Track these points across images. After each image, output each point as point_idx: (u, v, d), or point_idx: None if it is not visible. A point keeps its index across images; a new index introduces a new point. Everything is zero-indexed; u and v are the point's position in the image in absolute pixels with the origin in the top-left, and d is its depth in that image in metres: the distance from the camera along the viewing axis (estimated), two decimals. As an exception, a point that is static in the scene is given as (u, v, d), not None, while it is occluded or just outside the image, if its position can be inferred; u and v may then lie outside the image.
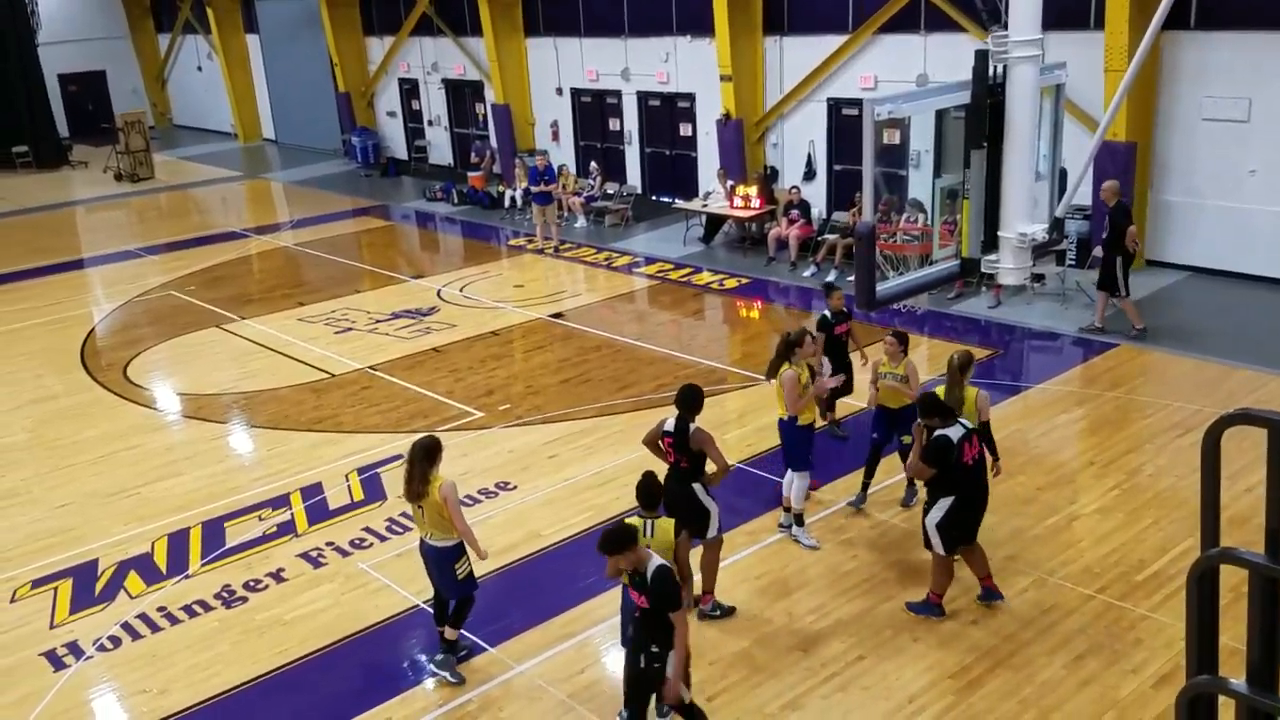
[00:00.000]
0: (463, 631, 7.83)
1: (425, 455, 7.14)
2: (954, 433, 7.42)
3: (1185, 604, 2.66)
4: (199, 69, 36.06)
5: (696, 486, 7.67)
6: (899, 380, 9.10)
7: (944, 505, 7.52)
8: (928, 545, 7.75)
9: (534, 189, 19.62)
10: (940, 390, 8.10)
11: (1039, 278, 14.54)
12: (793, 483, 8.94)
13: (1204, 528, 2.62)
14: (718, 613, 7.97)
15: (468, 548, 7.33)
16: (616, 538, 5.97)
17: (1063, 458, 10.28)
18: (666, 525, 6.63)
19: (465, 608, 7.52)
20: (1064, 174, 9.73)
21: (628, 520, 6.40)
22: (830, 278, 16.17)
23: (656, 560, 6.02)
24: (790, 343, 8.74)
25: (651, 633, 6.05)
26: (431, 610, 7.77)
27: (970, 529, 7.72)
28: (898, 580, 8.36)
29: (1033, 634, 7.63)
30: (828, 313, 10.55)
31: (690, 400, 7.64)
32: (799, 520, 9.01)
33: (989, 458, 7.91)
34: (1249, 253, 14.57)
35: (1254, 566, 2.44)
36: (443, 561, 7.35)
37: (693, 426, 7.59)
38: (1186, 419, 10.82)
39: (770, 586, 8.41)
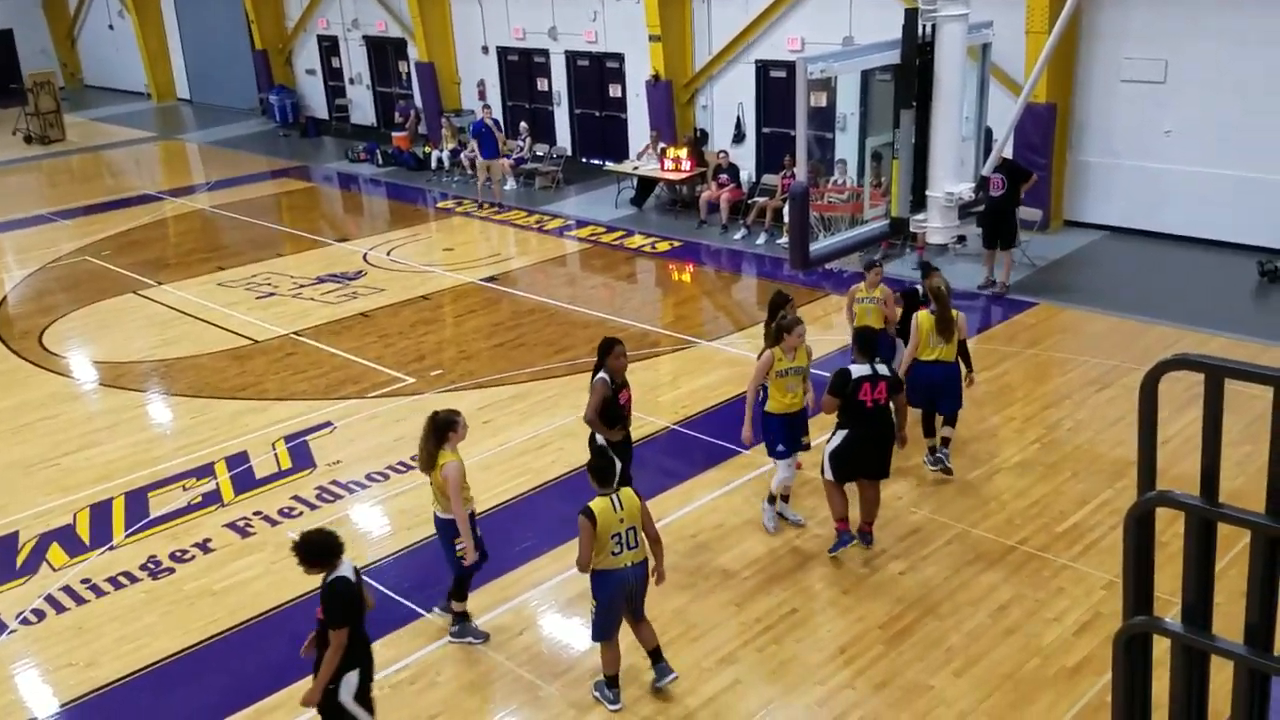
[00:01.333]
0: (398, 597, 7.79)
1: (435, 433, 7.08)
2: (858, 370, 7.82)
3: (1123, 546, 2.74)
4: (110, 27, 34.72)
5: (599, 438, 7.99)
6: (876, 303, 9.81)
7: (839, 436, 7.93)
8: (823, 472, 8.09)
9: (475, 139, 19.55)
10: (925, 317, 8.97)
11: (961, 238, 14.78)
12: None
13: (1141, 471, 2.69)
14: None
15: (460, 528, 7.12)
16: (317, 549, 5.78)
17: (984, 413, 10.51)
18: (630, 494, 6.48)
19: (462, 585, 7.43)
20: (989, 134, 9.86)
21: (591, 503, 6.33)
22: (760, 240, 16.30)
23: (336, 571, 5.79)
24: (780, 327, 8.20)
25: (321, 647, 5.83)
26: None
27: (861, 467, 7.98)
28: (830, 536, 8.49)
29: (958, 584, 7.82)
30: (920, 287, 9.84)
31: (599, 349, 7.96)
32: (771, 499, 8.66)
33: (964, 371, 9.12)
34: (1164, 212, 14.97)
35: (1190, 508, 2.52)
36: (442, 533, 7.30)
37: (596, 376, 7.88)
38: (1104, 374, 11.13)
39: (705, 545, 8.49)
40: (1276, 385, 2.35)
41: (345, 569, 5.87)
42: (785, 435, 8.35)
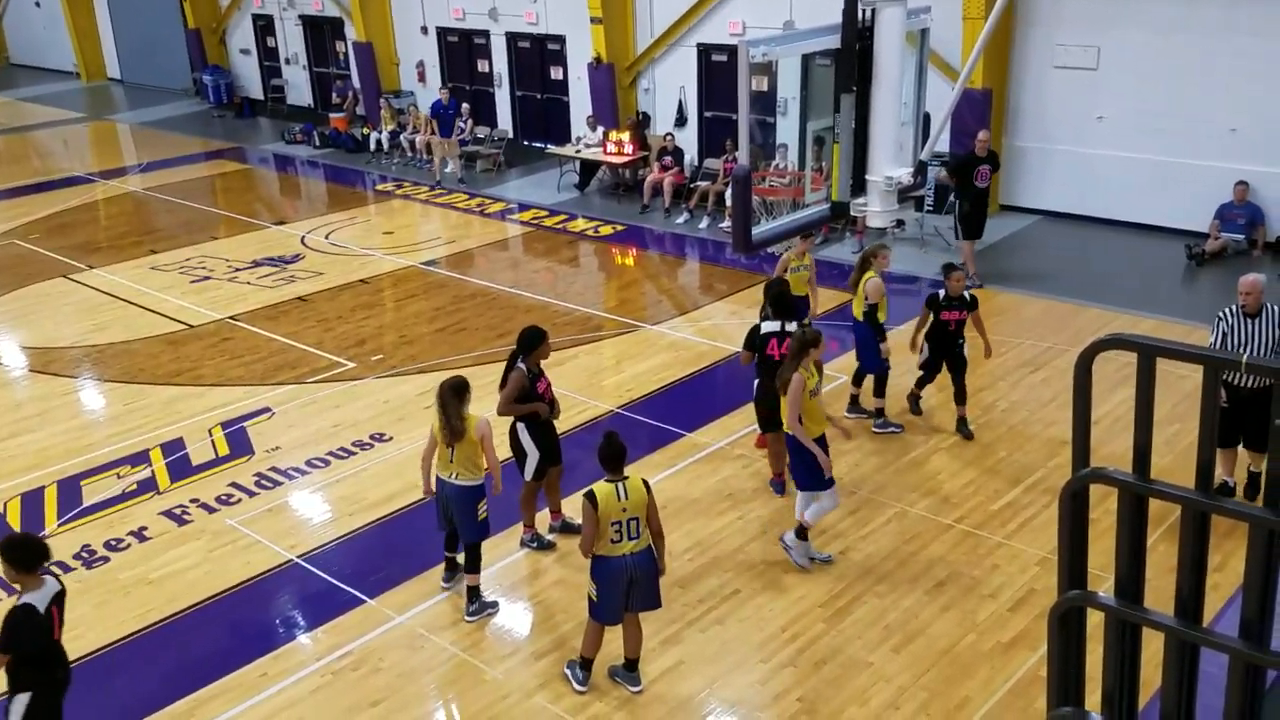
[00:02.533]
0: (339, 584, 7.73)
1: (455, 394, 7.14)
2: (768, 326, 8.63)
3: (1058, 521, 2.80)
4: (37, 4, 33.64)
5: (519, 426, 7.96)
6: (806, 269, 10.31)
7: (755, 386, 8.76)
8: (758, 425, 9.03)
9: (434, 120, 19.59)
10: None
11: (899, 223, 14.97)
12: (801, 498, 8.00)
13: (1075, 448, 2.76)
14: (535, 544, 8.31)
15: (490, 482, 7.38)
16: (23, 551, 5.54)
17: (922, 394, 10.66)
18: (637, 484, 6.35)
19: (477, 551, 7.53)
20: (927, 119, 9.97)
21: (595, 486, 6.28)
22: (703, 224, 16.33)
23: (27, 596, 5.51)
24: (805, 342, 7.66)
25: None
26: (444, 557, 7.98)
27: (777, 415, 8.21)
28: (771, 517, 8.59)
29: (895, 563, 7.96)
30: (942, 294, 9.54)
31: (522, 339, 7.91)
32: (799, 534, 7.95)
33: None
34: (1096, 197, 15.28)
35: (1123, 485, 2.59)
36: (465, 503, 7.34)
37: (518, 365, 7.86)
38: (1038, 356, 11.36)
39: (649, 527, 8.52)
40: (1205, 364, 2.42)
41: (39, 595, 5.53)
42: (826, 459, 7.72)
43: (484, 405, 10.56)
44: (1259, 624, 2.64)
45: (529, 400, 7.87)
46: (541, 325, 8.23)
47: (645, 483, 6.43)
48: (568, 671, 6.86)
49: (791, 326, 8.36)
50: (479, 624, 7.48)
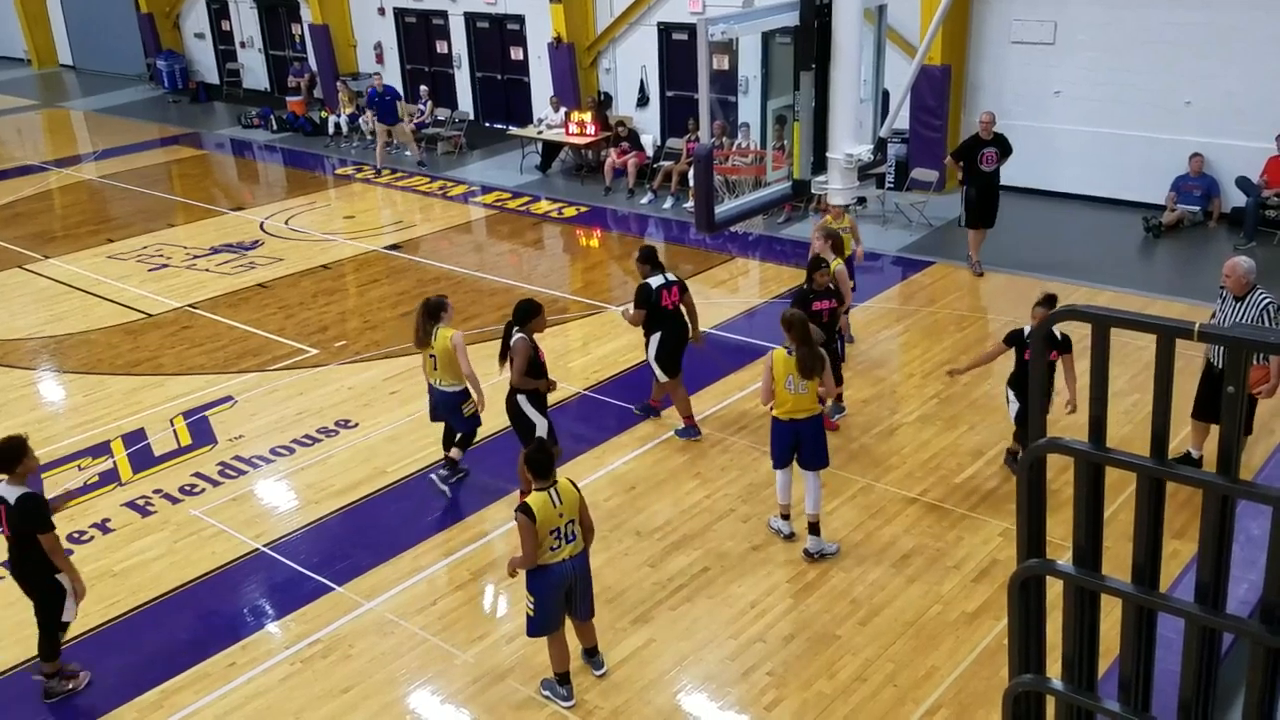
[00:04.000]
0: (307, 571, 7.69)
1: (428, 312, 8.41)
2: (655, 280, 9.13)
3: (1016, 491, 2.84)
4: (-20, -13, 32.98)
5: (520, 398, 8.06)
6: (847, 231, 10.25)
7: (655, 340, 9.21)
8: (655, 376, 9.35)
9: (371, 109, 19.33)
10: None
11: (861, 200, 15.03)
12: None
13: (1032, 419, 2.79)
14: None
15: (471, 392, 8.49)
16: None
17: (885, 371, 10.77)
18: (568, 486, 6.18)
19: (469, 439, 8.77)
20: (886, 96, 10.02)
21: (528, 499, 6.08)
22: (667, 204, 16.32)
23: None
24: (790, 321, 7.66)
25: None
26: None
27: (676, 361, 9.29)
28: (740, 496, 8.64)
29: (861, 537, 8.04)
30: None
31: (519, 311, 8.08)
32: (813, 529, 7.85)
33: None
34: (1055, 171, 15.42)
35: (1079, 453, 2.62)
36: (450, 405, 8.61)
37: (515, 335, 7.98)
38: (999, 330, 11.44)
39: (618, 508, 8.55)
40: (1159, 333, 2.45)
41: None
42: (780, 445, 7.88)
43: (418, 399, 10.54)
44: (1214, 587, 2.69)
45: (537, 371, 8.03)
46: (511, 309, 8.21)
47: (573, 483, 6.24)
48: (546, 693, 6.56)
49: (672, 276, 9.25)
50: (449, 608, 7.47)
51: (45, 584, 6.52)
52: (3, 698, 6.87)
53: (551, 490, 6.08)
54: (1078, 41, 14.76)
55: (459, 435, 8.76)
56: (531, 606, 6.28)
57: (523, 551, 6.12)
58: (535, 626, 6.34)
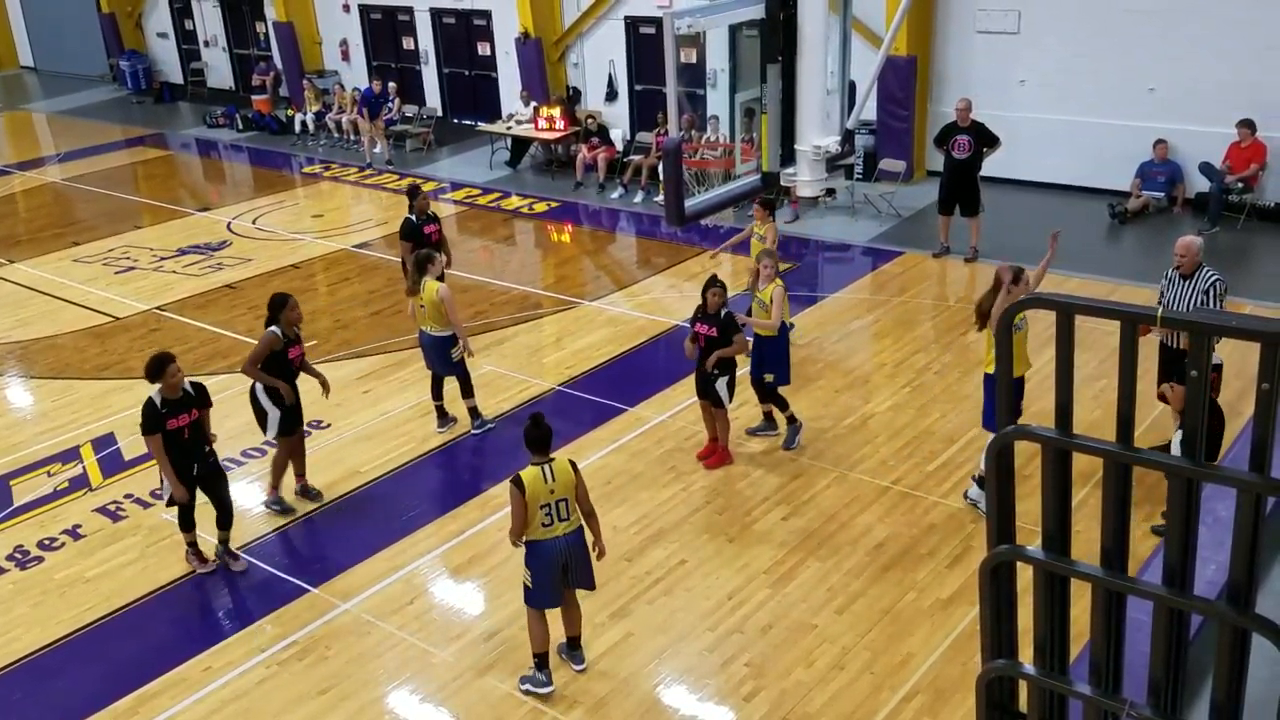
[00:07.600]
0: (282, 574, 7.65)
1: (417, 263, 9.26)
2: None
3: (985, 478, 2.87)
4: (-65, -12, 32.44)
5: (256, 387, 8.29)
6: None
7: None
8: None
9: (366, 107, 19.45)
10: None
11: (830, 192, 15.07)
12: None
13: (1000, 406, 2.82)
14: (277, 508, 8.65)
15: (459, 339, 9.23)
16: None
17: (857, 361, 10.82)
18: (564, 465, 6.29)
19: (465, 382, 9.52)
20: (853, 87, 10.04)
21: (521, 471, 6.15)
22: (637, 198, 16.34)
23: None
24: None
25: None
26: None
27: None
28: (714, 488, 8.66)
29: (836, 526, 8.08)
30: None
31: (268, 304, 8.38)
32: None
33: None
34: (1020, 160, 15.48)
35: (1046, 440, 2.66)
36: (438, 349, 9.37)
37: (269, 329, 8.31)
38: (968, 319, 11.49)
39: (595, 502, 8.49)
40: (1122, 319, 2.49)
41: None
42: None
43: (418, 390, 10.50)
44: (1181, 569, 2.74)
45: (279, 364, 8.22)
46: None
47: (572, 463, 6.33)
48: (527, 686, 6.57)
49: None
50: (426, 607, 7.46)
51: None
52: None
53: (545, 467, 6.22)
54: (1042, 30, 14.86)
55: (460, 386, 9.50)
56: (530, 579, 6.42)
57: (512, 522, 6.27)
58: (536, 598, 6.49)
